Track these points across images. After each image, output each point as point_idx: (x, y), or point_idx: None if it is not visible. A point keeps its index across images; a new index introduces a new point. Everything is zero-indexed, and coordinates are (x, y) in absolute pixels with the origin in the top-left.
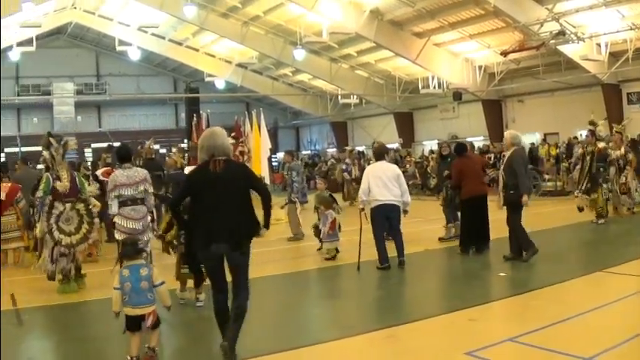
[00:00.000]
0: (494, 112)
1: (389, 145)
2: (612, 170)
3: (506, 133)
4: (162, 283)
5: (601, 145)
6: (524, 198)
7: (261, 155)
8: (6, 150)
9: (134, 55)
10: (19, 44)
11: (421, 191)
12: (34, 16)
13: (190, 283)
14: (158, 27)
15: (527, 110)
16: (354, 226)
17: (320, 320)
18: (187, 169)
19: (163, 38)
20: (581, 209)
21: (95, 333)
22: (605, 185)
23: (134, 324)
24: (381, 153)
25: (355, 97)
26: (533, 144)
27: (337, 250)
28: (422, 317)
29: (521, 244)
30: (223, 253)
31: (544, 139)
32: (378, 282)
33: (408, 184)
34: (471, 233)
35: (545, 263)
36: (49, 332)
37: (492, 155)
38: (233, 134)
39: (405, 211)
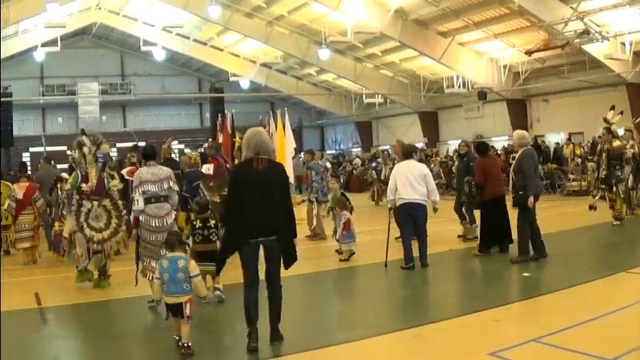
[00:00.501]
0: (519, 112)
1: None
2: (627, 169)
3: (514, 134)
4: (198, 275)
5: (616, 143)
6: (530, 199)
7: (286, 155)
8: (31, 149)
9: (159, 55)
10: (44, 44)
11: (446, 191)
12: (58, 17)
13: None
14: (182, 27)
15: (551, 110)
16: (378, 226)
17: (347, 319)
18: (205, 168)
19: (188, 38)
20: (593, 208)
21: (119, 331)
22: (620, 185)
23: (175, 310)
24: (408, 152)
25: (380, 96)
26: (557, 143)
27: (352, 252)
28: (447, 317)
29: (519, 245)
30: (260, 245)
31: (569, 139)
32: (403, 282)
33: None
34: (493, 234)
35: (567, 264)
36: (73, 331)
37: (517, 155)
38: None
39: (435, 209)
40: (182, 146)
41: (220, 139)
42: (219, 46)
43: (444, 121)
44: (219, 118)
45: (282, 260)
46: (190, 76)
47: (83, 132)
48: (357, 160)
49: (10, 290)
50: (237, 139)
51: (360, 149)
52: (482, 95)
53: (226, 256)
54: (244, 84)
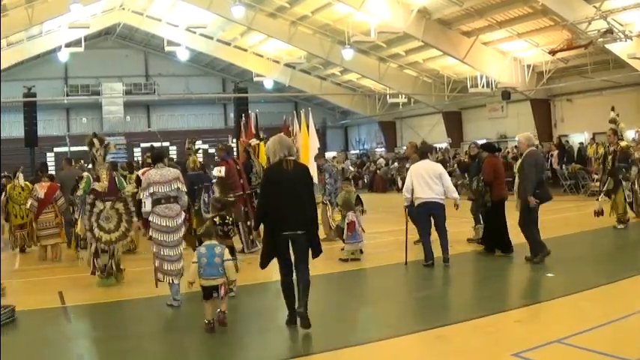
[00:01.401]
0: (543, 112)
1: (438, 145)
2: (634, 170)
3: (520, 136)
4: (230, 259)
5: (623, 144)
6: (531, 198)
7: (309, 155)
8: (55, 149)
9: (183, 55)
10: (68, 45)
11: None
12: (82, 18)
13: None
14: (206, 27)
15: (575, 109)
16: (401, 226)
17: (368, 319)
18: (216, 170)
19: (212, 38)
20: (599, 213)
21: (141, 330)
22: (624, 184)
23: (208, 293)
24: (424, 152)
25: (404, 96)
26: (581, 143)
27: (361, 252)
28: (469, 318)
29: (530, 246)
30: (292, 237)
31: (592, 139)
32: (423, 282)
33: (456, 184)
34: (497, 235)
35: (591, 265)
36: (96, 330)
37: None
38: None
39: (457, 205)
40: (206, 146)
41: (244, 138)
42: (242, 46)
43: (468, 120)
44: (243, 118)
45: (309, 252)
46: (214, 77)
47: (95, 135)
48: (381, 160)
49: (34, 289)
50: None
51: (383, 149)
52: (506, 95)
53: (270, 251)
54: (268, 84)
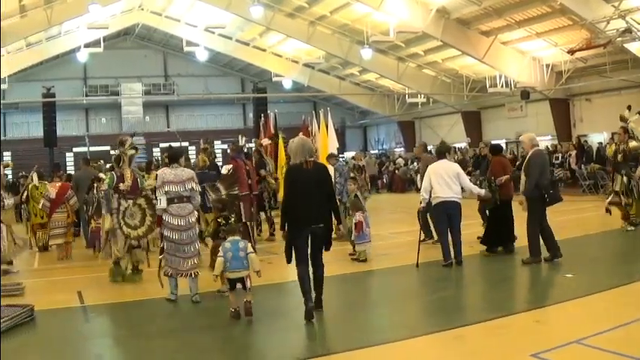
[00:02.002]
0: (562, 111)
1: (457, 145)
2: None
3: (524, 137)
4: (253, 252)
5: (632, 144)
6: (522, 199)
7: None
8: (74, 149)
9: (201, 55)
10: (87, 45)
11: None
12: (101, 18)
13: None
14: (225, 27)
15: (594, 109)
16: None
17: (385, 320)
18: (225, 169)
19: (230, 39)
20: (609, 211)
21: (159, 329)
22: (633, 182)
23: (233, 285)
24: (442, 152)
25: (422, 96)
26: (600, 143)
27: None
28: (487, 318)
29: (529, 246)
30: (312, 231)
31: (611, 138)
32: (439, 282)
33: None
34: (500, 235)
35: (609, 265)
36: (114, 329)
37: (560, 155)
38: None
39: (480, 196)
40: (225, 146)
41: (263, 138)
42: (261, 46)
43: (487, 120)
44: (262, 118)
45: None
46: (233, 77)
47: (133, 134)
48: (400, 160)
49: (53, 288)
50: (281, 139)
51: (402, 149)
52: (525, 95)
53: (292, 245)
54: (287, 84)
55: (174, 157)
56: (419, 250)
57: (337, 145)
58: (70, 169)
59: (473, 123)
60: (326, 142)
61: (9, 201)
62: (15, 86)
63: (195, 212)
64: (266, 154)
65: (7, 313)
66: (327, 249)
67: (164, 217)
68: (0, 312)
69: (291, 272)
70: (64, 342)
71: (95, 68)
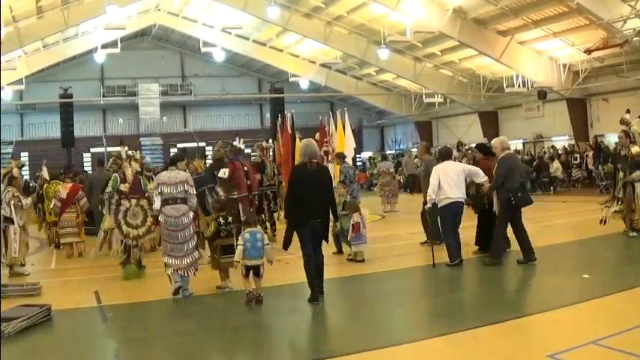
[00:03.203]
0: (579, 111)
1: (474, 145)
2: (638, 174)
3: (495, 140)
4: (269, 244)
5: (635, 150)
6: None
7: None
8: (92, 150)
9: (219, 56)
10: (104, 46)
11: None
12: (118, 19)
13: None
14: (242, 28)
15: (611, 109)
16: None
17: (400, 321)
18: (222, 172)
19: (247, 39)
20: (604, 221)
21: (176, 329)
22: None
23: (247, 271)
24: (446, 154)
25: (439, 96)
26: (617, 143)
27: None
28: (503, 319)
29: (492, 247)
30: (314, 224)
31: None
32: (453, 283)
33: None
34: (486, 236)
35: (625, 266)
36: (131, 329)
37: (577, 155)
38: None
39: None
40: (242, 146)
41: (281, 138)
42: (278, 46)
43: (504, 120)
44: (280, 119)
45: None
46: (250, 77)
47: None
48: (417, 161)
49: (70, 288)
50: (298, 139)
51: None
52: (542, 94)
53: (292, 235)
54: (304, 84)
55: (173, 160)
56: (433, 249)
57: (354, 145)
58: (88, 169)
59: (490, 123)
60: (343, 142)
61: (26, 201)
62: (32, 87)
63: (191, 213)
64: (265, 157)
65: (25, 313)
66: (327, 241)
67: (160, 218)
68: None
69: (300, 274)
70: (81, 342)
71: (112, 69)
